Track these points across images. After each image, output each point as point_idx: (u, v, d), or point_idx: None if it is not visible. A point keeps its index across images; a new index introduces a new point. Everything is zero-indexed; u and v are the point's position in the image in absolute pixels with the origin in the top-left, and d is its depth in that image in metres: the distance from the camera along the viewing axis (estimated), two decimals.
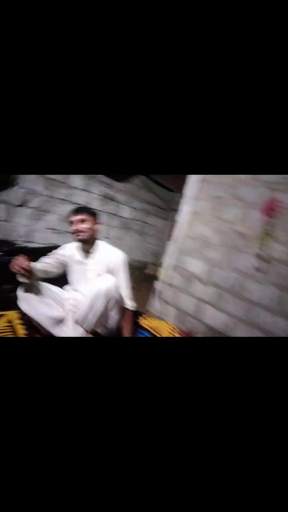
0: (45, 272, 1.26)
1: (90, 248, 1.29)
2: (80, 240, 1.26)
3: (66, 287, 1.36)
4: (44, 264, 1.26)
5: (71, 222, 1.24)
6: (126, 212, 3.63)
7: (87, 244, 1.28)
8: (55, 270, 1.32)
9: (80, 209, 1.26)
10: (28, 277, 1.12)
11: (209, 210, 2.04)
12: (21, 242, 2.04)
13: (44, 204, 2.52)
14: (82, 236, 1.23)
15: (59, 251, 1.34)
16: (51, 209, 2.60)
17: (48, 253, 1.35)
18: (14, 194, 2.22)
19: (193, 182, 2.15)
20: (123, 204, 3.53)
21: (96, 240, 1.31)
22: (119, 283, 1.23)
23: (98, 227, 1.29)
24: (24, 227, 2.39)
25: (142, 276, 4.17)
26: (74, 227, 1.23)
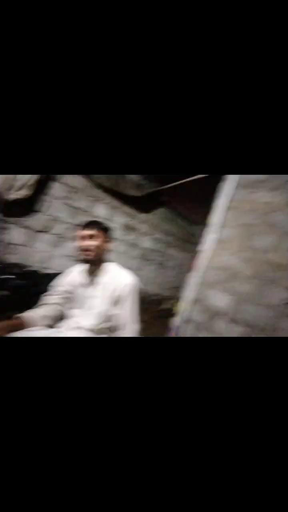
0: (52, 317, 1.05)
1: (96, 270, 1.08)
2: (85, 261, 1.05)
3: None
4: (48, 308, 1.05)
5: (80, 237, 1.04)
6: (146, 242, 3.57)
7: (94, 265, 1.07)
8: (62, 309, 1.09)
9: (90, 223, 1.06)
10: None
11: (238, 238, 1.87)
12: (36, 268, 2.00)
13: (66, 232, 2.55)
14: (87, 255, 1.02)
15: (63, 280, 1.12)
16: (72, 237, 2.62)
17: (51, 285, 1.14)
18: (36, 220, 2.28)
19: (219, 209, 2.03)
20: (144, 235, 3.49)
21: (104, 262, 1.09)
22: (122, 315, 1.01)
23: (108, 246, 1.09)
24: (42, 253, 2.40)
25: (159, 311, 3.89)
26: (80, 243, 1.03)
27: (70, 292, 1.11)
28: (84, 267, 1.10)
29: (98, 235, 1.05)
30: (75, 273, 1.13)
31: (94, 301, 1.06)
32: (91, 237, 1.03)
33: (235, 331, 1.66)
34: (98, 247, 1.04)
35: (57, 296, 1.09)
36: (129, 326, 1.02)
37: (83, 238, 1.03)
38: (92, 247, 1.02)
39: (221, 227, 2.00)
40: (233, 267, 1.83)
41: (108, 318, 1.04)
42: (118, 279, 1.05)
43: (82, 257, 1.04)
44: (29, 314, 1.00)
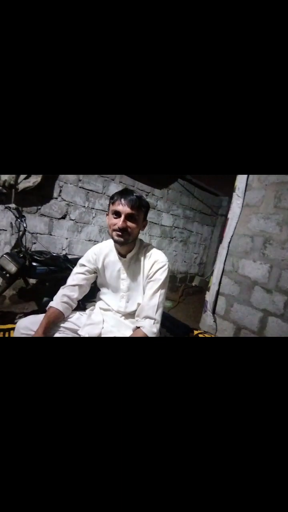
0: (82, 291, 0.99)
1: (128, 250, 0.93)
2: (119, 242, 0.86)
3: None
4: (77, 286, 0.97)
5: (114, 212, 0.84)
6: (167, 220, 3.42)
7: (126, 245, 0.90)
8: (90, 282, 1.02)
9: (134, 200, 0.83)
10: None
11: (266, 200, 1.66)
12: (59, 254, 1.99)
13: (85, 216, 2.50)
14: (123, 237, 0.84)
15: (90, 259, 1.00)
16: (92, 221, 2.57)
17: (78, 264, 1.03)
18: (52, 206, 2.25)
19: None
20: (164, 212, 3.34)
21: (136, 240, 0.94)
22: (152, 297, 0.88)
23: (146, 224, 0.93)
24: (62, 239, 2.39)
25: (189, 289, 3.81)
26: (116, 222, 0.83)
27: (96, 272, 1.00)
28: (115, 245, 0.95)
29: (140, 215, 0.86)
30: (104, 252, 0.99)
31: (124, 282, 0.96)
32: (130, 217, 0.83)
33: (275, 302, 1.52)
34: (137, 228, 0.86)
35: (83, 276, 0.99)
36: (150, 304, 0.88)
37: (119, 215, 0.83)
38: (130, 230, 0.84)
39: (249, 189, 1.79)
40: (267, 232, 1.65)
41: (136, 301, 0.94)
42: (150, 259, 0.92)
43: (116, 237, 0.86)
44: (59, 303, 0.92)
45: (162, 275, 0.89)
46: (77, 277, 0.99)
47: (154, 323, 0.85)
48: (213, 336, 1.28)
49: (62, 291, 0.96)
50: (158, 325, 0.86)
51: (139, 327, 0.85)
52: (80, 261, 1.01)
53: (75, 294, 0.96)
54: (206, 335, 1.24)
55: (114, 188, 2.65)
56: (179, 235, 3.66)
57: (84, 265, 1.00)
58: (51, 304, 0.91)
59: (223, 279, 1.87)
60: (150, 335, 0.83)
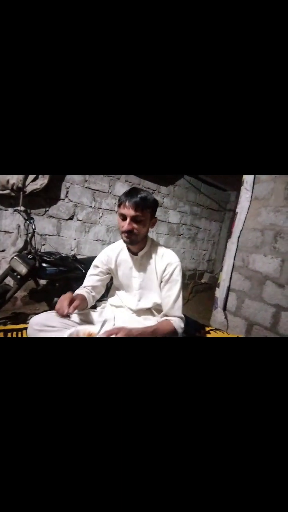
0: (98, 292, 1.00)
1: (138, 250, 0.95)
2: (127, 243, 0.91)
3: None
4: (91, 286, 0.99)
5: (121, 215, 0.86)
6: (174, 217, 3.40)
7: (135, 245, 0.93)
8: (105, 283, 1.03)
9: (138, 203, 0.83)
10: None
11: (280, 192, 1.62)
12: (68, 254, 2.01)
13: (92, 216, 2.51)
14: (131, 239, 0.86)
15: (103, 261, 1.01)
16: (99, 221, 2.58)
17: (92, 266, 1.04)
18: (60, 208, 2.27)
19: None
20: (171, 209, 3.31)
21: (146, 239, 0.95)
22: (169, 296, 0.91)
23: (154, 223, 0.93)
24: (70, 240, 2.41)
25: (198, 286, 3.77)
26: (123, 225, 0.85)
27: (109, 272, 1.02)
28: (126, 245, 0.97)
29: (146, 216, 0.87)
30: (116, 251, 1.01)
31: (135, 280, 0.97)
32: (135, 219, 0.84)
33: None
34: (144, 228, 0.88)
35: (97, 277, 1.01)
36: (176, 306, 0.90)
37: (125, 218, 0.84)
38: (139, 230, 0.86)
39: (257, 182, 1.75)
40: (277, 226, 1.60)
41: (150, 299, 0.96)
42: (162, 259, 0.93)
43: (124, 239, 0.88)
44: (80, 289, 0.97)
45: (178, 276, 0.92)
46: (91, 278, 1.01)
47: (182, 320, 0.90)
48: (224, 332, 1.26)
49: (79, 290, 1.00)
50: (184, 322, 0.92)
51: (167, 319, 0.89)
52: (94, 263, 1.03)
53: (92, 293, 0.99)
54: (218, 332, 1.22)
55: (120, 187, 2.65)
56: (186, 232, 3.62)
57: (97, 267, 1.02)
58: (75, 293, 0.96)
59: (233, 275, 1.84)
60: (178, 329, 0.87)
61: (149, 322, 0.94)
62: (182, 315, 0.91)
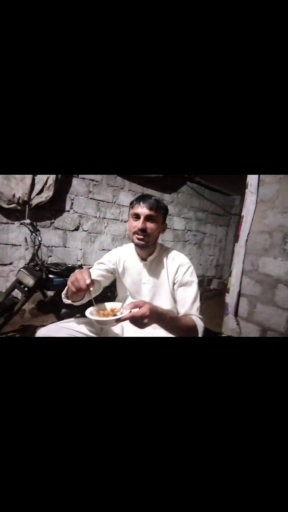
0: (95, 290, 0.89)
1: (149, 254, 0.92)
2: (139, 244, 0.87)
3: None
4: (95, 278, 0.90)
5: (134, 215, 0.85)
6: (179, 224, 3.38)
7: (145, 249, 0.90)
8: (105, 282, 0.98)
9: (149, 201, 0.84)
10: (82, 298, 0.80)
11: (286, 193, 1.59)
12: (74, 265, 2.01)
13: (97, 226, 2.52)
14: (143, 240, 0.84)
15: (110, 259, 0.99)
16: (104, 230, 2.59)
17: (97, 262, 1.01)
18: (65, 219, 2.29)
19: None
20: (175, 216, 3.31)
21: (155, 245, 0.92)
22: (186, 298, 0.86)
23: (165, 227, 0.92)
24: (76, 250, 2.41)
25: (207, 292, 3.70)
26: (136, 225, 0.83)
27: (113, 272, 0.98)
28: (135, 249, 0.94)
29: (158, 217, 0.86)
30: (125, 255, 0.98)
31: (145, 287, 0.93)
32: (149, 218, 0.83)
33: None
34: (156, 230, 0.86)
35: (99, 272, 0.95)
36: (194, 307, 0.86)
37: (138, 217, 0.84)
38: (150, 230, 0.84)
39: (262, 184, 1.73)
40: (283, 227, 1.57)
41: (161, 306, 0.91)
42: (173, 262, 0.90)
43: (136, 240, 0.86)
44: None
45: (192, 277, 0.89)
46: (92, 272, 0.95)
47: (202, 320, 0.85)
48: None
49: None
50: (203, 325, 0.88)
51: (187, 315, 0.84)
52: (99, 260, 1.00)
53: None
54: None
55: (123, 196, 2.66)
56: (192, 238, 3.60)
57: (102, 263, 0.98)
58: None
59: (243, 279, 1.79)
60: (199, 327, 0.82)
61: (158, 331, 0.90)
62: (201, 317, 0.86)
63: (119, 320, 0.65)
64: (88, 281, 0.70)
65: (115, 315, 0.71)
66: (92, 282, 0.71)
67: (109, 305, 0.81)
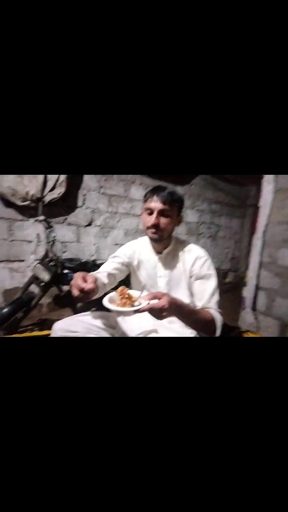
0: (110, 283, 0.90)
1: (164, 247, 0.91)
2: (153, 239, 0.86)
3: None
4: (107, 273, 0.90)
5: (147, 209, 0.83)
6: (193, 216, 3.31)
7: (160, 243, 0.89)
8: (120, 276, 0.96)
9: (166, 196, 0.81)
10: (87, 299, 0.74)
11: None
12: (89, 260, 2.03)
13: (110, 221, 2.52)
14: (157, 234, 0.83)
15: (125, 252, 0.97)
16: (116, 225, 2.58)
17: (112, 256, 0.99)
18: (78, 215, 2.30)
19: None
20: (189, 209, 3.23)
21: (171, 238, 0.91)
22: (204, 291, 0.84)
23: (180, 220, 0.90)
24: (90, 246, 2.43)
25: (223, 286, 3.62)
26: (149, 220, 0.82)
27: (128, 266, 0.97)
28: (150, 242, 0.93)
29: (173, 211, 0.84)
30: (139, 248, 0.97)
31: (161, 280, 0.92)
32: (163, 213, 0.82)
33: None
34: (171, 225, 0.84)
35: (113, 265, 0.94)
36: (213, 300, 0.83)
37: (152, 212, 0.82)
38: (165, 226, 0.82)
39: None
40: None
41: (182, 297, 0.87)
42: (190, 254, 0.88)
43: (150, 235, 0.85)
44: (96, 275, 0.82)
45: (210, 270, 0.86)
46: (108, 265, 0.94)
47: (220, 315, 0.82)
48: (256, 334, 1.17)
49: None
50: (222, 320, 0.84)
51: (205, 309, 0.81)
52: (114, 254, 0.98)
53: (105, 279, 0.88)
54: (249, 334, 1.14)
55: (135, 190, 2.63)
56: (206, 230, 3.51)
57: (117, 256, 0.97)
58: None
59: (261, 272, 1.73)
60: (217, 321, 0.78)
61: (174, 325, 0.89)
62: (220, 311, 0.83)
63: (137, 311, 0.64)
64: (83, 286, 0.67)
65: (132, 305, 0.70)
66: (93, 281, 0.68)
67: (126, 291, 0.77)
